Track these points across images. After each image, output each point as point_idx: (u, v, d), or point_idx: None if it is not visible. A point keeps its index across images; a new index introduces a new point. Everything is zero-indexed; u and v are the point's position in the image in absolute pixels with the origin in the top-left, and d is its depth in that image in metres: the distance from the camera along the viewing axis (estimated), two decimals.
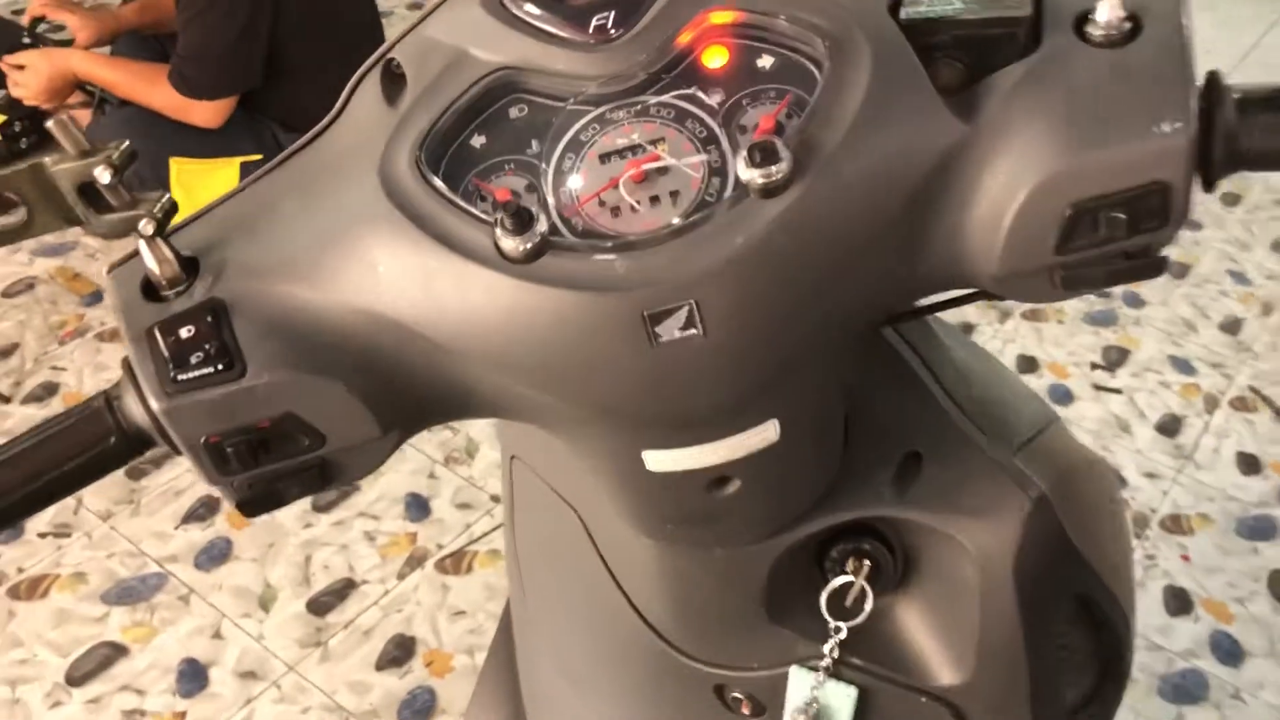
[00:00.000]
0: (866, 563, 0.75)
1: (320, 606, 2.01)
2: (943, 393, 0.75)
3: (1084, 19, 0.57)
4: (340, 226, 0.59)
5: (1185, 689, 1.91)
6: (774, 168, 0.54)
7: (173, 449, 0.61)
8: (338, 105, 0.65)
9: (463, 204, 0.58)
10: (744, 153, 0.55)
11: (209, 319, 0.58)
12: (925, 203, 0.57)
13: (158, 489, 2.22)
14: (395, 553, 2.10)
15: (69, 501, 2.18)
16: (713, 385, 0.58)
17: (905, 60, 0.58)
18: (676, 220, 0.57)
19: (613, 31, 0.61)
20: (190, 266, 0.61)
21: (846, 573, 0.75)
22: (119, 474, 2.21)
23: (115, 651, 1.93)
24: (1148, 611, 2.01)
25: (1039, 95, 0.56)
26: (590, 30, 0.61)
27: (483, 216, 0.57)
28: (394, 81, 0.63)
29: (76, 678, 1.89)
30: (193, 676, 1.89)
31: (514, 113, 0.61)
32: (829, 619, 0.75)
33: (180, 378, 0.58)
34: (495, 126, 0.61)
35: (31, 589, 2.03)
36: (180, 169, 2.60)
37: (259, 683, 1.89)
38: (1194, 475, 2.29)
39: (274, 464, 0.61)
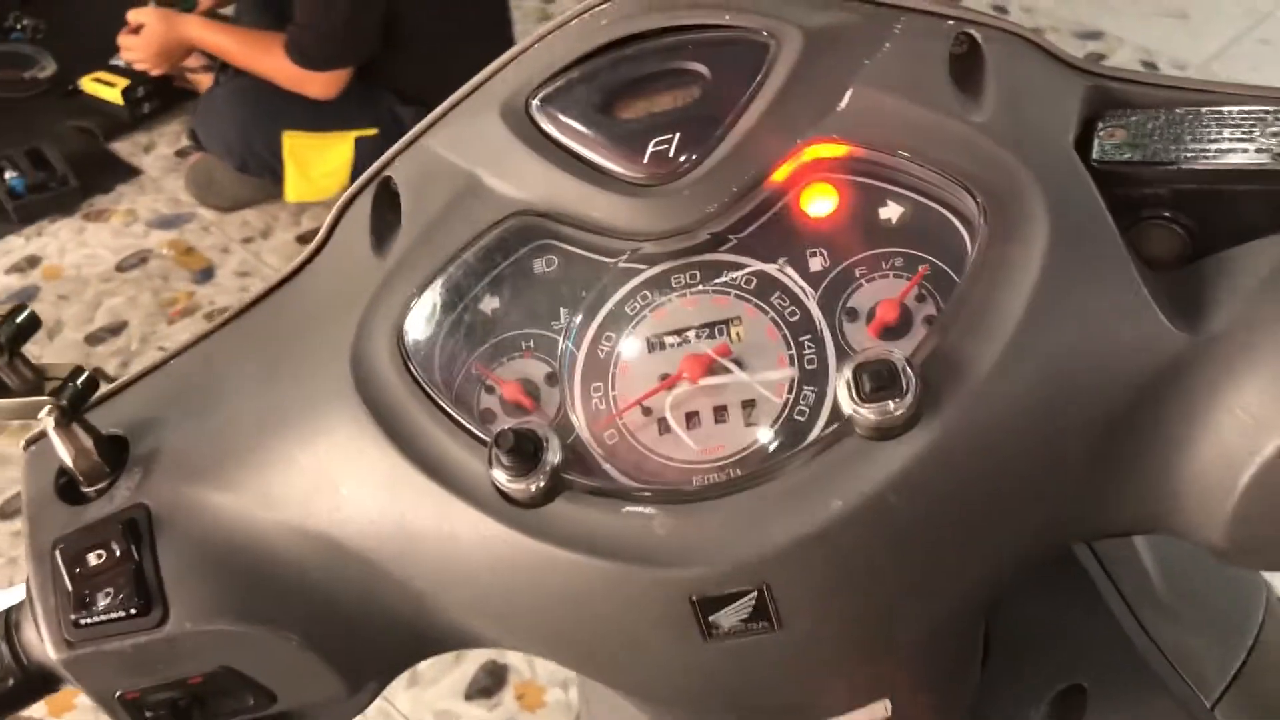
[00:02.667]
0: None
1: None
2: (1127, 611, 0.56)
3: None
4: (297, 419, 0.44)
5: None
6: (893, 403, 0.37)
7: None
8: (320, 234, 0.49)
9: (453, 412, 0.42)
10: (847, 375, 0.37)
11: (127, 540, 0.44)
12: (1118, 444, 0.39)
13: None
14: None
15: None
16: (794, 684, 0.41)
17: (1099, 227, 0.39)
18: (750, 450, 0.40)
19: (680, 160, 0.43)
20: (118, 450, 0.47)
21: None
22: None
23: None
24: None
25: None
26: (646, 159, 0.43)
27: (479, 434, 0.41)
28: (388, 211, 0.47)
29: None
30: None
31: (540, 267, 0.45)
32: None
33: (84, 622, 0.44)
34: (513, 286, 0.45)
35: None
36: (293, 142, 2.50)
37: None
38: None
39: None
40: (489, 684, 1.82)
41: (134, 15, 2.56)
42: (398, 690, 1.81)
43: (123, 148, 2.87)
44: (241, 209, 2.66)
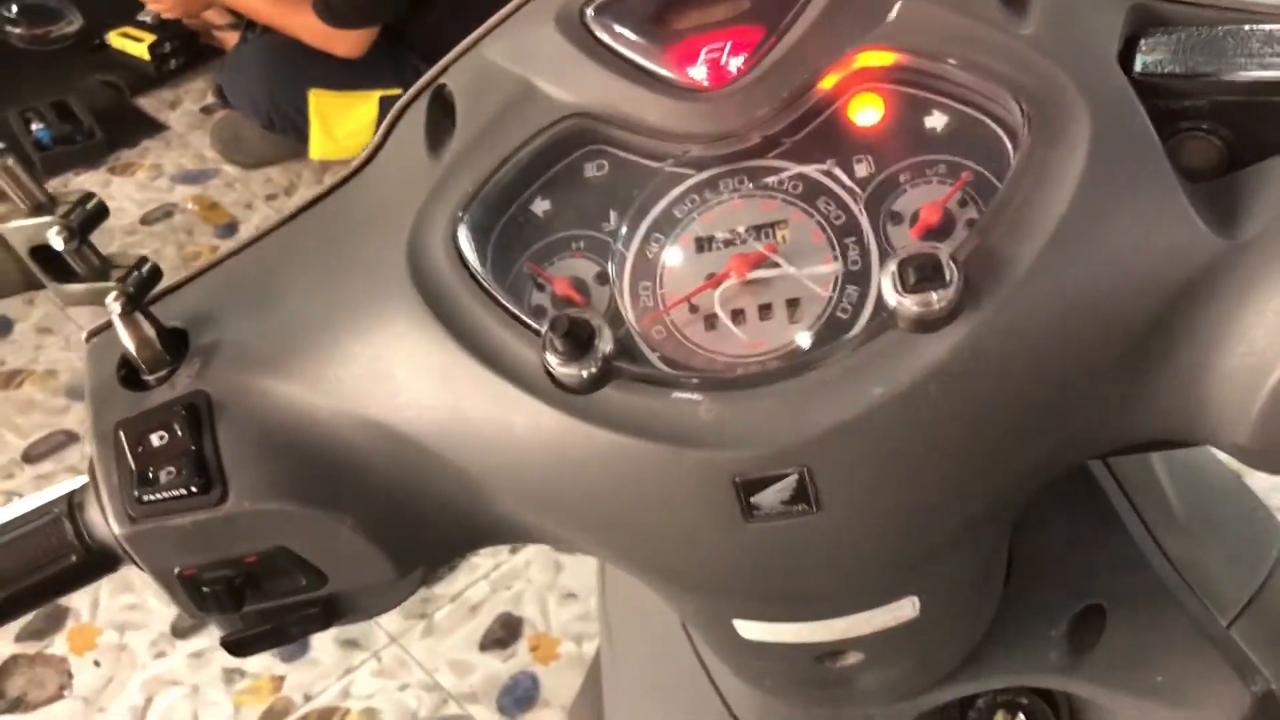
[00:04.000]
0: (1021, 718, 0.60)
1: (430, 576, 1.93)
2: (1145, 533, 0.58)
3: None
4: (354, 312, 0.46)
5: None
6: (936, 294, 0.38)
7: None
8: (375, 139, 0.51)
9: (507, 304, 0.43)
10: (892, 268, 0.39)
11: (188, 423, 0.46)
12: (1151, 345, 0.40)
13: None
14: None
15: None
16: (828, 571, 0.43)
17: (1139, 136, 0.40)
18: (794, 344, 0.42)
19: (730, 67, 0.45)
20: (178, 342, 0.48)
21: None
22: None
23: None
24: None
25: None
26: (699, 65, 0.45)
27: (532, 324, 0.43)
28: (442, 117, 0.49)
29: (181, 629, 1.87)
30: None
31: (590, 170, 0.46)
32: None
33: (146, 498, 0.45)
34: (565, 188, 0.46)
35: None
36: (319, 100, 2.51)
37: (360, 652, 1.83)
38: None
39: (264, 603, 0.48)
40: (503, 635, 1.84)
41: None
42: (413, 640, 1.84)
43: (149, 103, 2.89)
44: (266, 166, 2.68)
